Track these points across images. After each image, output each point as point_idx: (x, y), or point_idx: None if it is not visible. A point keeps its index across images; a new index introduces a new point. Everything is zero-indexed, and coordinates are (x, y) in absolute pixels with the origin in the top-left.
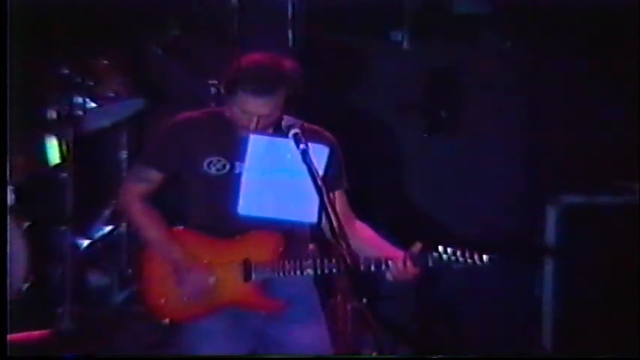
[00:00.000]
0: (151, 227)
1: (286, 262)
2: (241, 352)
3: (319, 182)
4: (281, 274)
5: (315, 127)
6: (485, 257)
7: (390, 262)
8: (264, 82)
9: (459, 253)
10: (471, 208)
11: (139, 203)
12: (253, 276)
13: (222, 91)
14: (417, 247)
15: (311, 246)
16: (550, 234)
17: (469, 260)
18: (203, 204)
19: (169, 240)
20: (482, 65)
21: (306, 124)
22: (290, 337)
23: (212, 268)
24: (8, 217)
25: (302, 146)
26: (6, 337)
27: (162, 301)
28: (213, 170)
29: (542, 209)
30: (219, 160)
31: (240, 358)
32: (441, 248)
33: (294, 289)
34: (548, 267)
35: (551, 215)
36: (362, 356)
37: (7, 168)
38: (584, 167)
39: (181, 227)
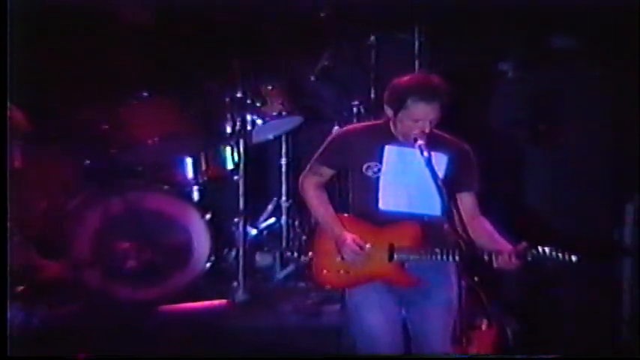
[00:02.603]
0: (320, 209)
1: (419, 247)
2: (390, 314)
3: (439, 183)
4: (415, 256)
5: (447, 137)
6: (574, 257)
7: (499, 255)
8: (430, 89)
9: (553, 252)
10: (565, 207)
11: (313, 191)
12: (395, 257)
13: (390, 110)
14: (523, 245)
15: (446, 226)
16: (628, 230)
17: (560, 258)
18: (361, 198)
19: (334, 221)
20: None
21: (439, 134)
22: (427, 299)
23: (364, 248)
24: (9, 217)
25: (425, 154)
26: (6, 337)
27: (324, 272)
28: (370, 173)
29: (622, 207)
30: (375, 165)
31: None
32: (540, 247)
33: (434, 264)
34: (627, 261)
35: (630, 212)
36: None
37: (7, 170)
38: None
39: (346, 214)
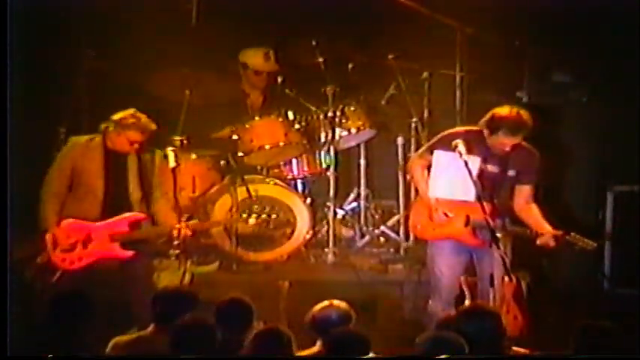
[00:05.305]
0: (422, 184)
1: (487, 219)
2: (456, 262)
3: (474, 179)
4: (483, 224)
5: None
6: (594, 244)
7: (541, 235)
8: (519, 126)
9: (579, 240)
10: (562, 197)
11: (419, 170)
12: (470, 224)
13: (486, 130)
14: (560, 231)
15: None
16: (608, 216)
17: (584, 245)
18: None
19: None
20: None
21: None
22: (488, 255)
23: (446, 214)
24: (8, 218)
25: (464, 158)
26: (6, 337)
27: (418, 227)
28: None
29: (604, 195)
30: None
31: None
32: (572, 234)
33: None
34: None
35: (610, 200)
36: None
37: (8, 172)
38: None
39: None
